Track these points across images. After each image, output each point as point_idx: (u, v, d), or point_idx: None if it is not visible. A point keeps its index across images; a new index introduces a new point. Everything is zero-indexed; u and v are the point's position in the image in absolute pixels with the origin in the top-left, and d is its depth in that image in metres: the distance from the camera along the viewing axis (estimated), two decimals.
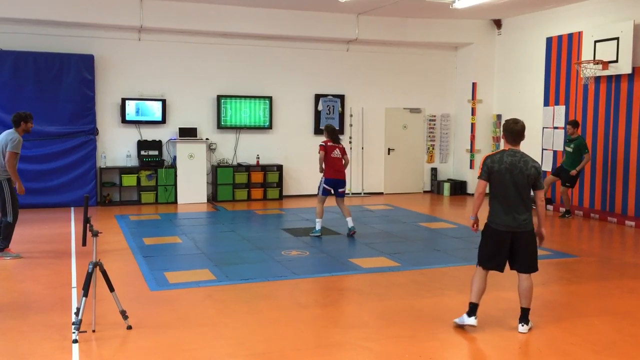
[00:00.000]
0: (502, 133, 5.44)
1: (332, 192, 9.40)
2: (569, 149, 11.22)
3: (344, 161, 9.42)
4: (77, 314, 4.98)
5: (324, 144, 9.34)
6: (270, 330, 5.33)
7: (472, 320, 5.26)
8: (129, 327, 5.19)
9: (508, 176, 5.18)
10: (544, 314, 5.93)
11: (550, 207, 11.99)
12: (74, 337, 4.90)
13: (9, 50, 11.68)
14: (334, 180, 9.33)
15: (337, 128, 13.12)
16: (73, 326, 4.96)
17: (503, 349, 4.95)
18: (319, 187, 9.45)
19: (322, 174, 9.41)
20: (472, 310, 5.29)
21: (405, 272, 7.32)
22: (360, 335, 5.19)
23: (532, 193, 5.26)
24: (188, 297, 6.23)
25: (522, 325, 5.24)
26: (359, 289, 6.61)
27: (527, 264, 5.27)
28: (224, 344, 4.98)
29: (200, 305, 5.98)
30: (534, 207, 5.26)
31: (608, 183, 11.41)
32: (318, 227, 9.34)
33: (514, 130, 5.32)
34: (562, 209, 11.54)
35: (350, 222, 9.43)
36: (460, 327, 5.29)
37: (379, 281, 6.91)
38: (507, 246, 5.22)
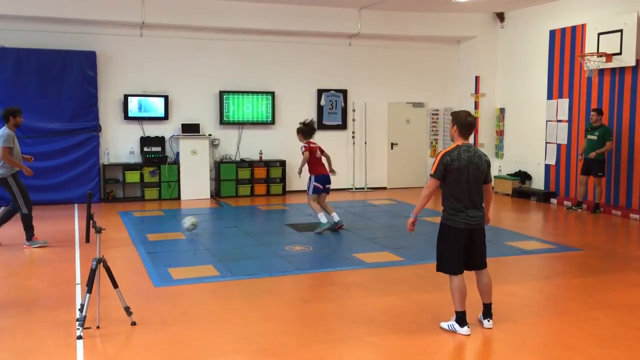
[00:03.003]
0: (453, 126, 5.10)
1: (322, 188, 9.41)
2: (592, 137, 10.92)
3: (324, 158, 9.58)
4: (81, 310, 4.97)
5: (307, 144, 9.38)
6: (274, 325, 5.33)
7: (464, 330, 5.05)
8: (133, 323, 5.20)
9: (466, 173, 4.98)
10: (549, 307, 5.92)
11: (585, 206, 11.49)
12: (78, 333, 4.90)
13: (12, 47, 11.68)
14: (324, 176, 9.41)
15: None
16: (77, 322, 4.96)
17: (508, 343, 4.94)
18: (308, 187, 9.48)
19: (302, 174, 9.62)
20: (463, 319, 5.07)
21: (409, 266, 7.31)
22: (365, 330, 5.18)
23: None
24: (192, 293, 6.23)
25: (488, 321, 5.17)
26: (363, 283, 6.60)
27: (483, 260, 5.20)
28: (228, 339, 4.98)
29: (204, 301, 5.98)
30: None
31: (612, 176, 11.36)
32: (324, 219, 9.25)
33: (468, 123, 5.05)
34: (575, 204, 11.44)
35: (336, 216, 9.45)
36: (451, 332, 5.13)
37: (383, 276, 6.91)
38: (466, 244, 5.09)
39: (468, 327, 5.07)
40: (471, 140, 15.34)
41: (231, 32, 13.18)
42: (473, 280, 5.29)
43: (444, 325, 5.18)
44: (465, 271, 5.19)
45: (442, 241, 5.23)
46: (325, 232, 9.25)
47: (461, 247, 5.09)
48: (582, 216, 10.94)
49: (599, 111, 11.01)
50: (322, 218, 9.28)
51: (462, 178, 5.00)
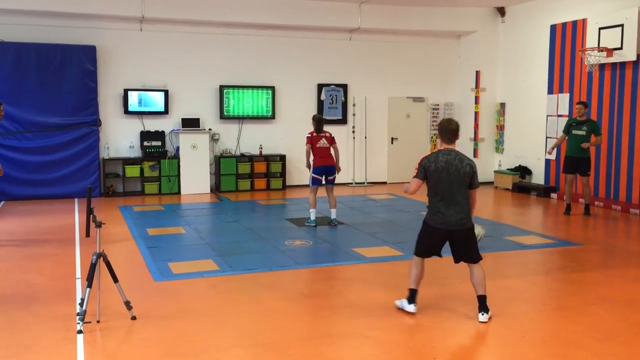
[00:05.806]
0: (437, 133, 5.48)
1: (323, 181, 9.37)
2: (579, 132, 10.17)
3: (333, 150, 9.40)
4: (81, 304, 4.98)
5: (310, 135, 9.34)
6: (274, 320, 5.33)
7: (411, 308, 5.36)
8: (133, 318, 5.21)
9: (444, 174, 5.20)
10: (548, 302, 5.93)
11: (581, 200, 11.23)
12: (78, 327, 4.91)
13: (11, 41, 11.66)
14: (322, 167, 9.28)
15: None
16: (77, 317, 4.97)
17: (507, 338, 4.94)
18: (310, 178, 9.49)
19: (308, 168, 9.50)
20: (412, 296, 5.39)
21: (409, 261, 7.27)
22: (365, 324, 5.19)
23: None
24: (192, 288, 6.24)
25: (482, 314, 5.21)
26: (363, 278, 6.61)
27: (472, 257, 5.33)
28: (228, 334, 4.99)
29: (204, 296, 5.99)
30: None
31: (612, 171, 11.36)
32: (312, 217, 9.41)
33: (449, 130, 5.32)
34: (565, 210, 10.89)
35: (334, 213, 9.49)
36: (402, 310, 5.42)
37: (383, 270, 6.91)
38: (442, 241, 5.34)
39: (415, 305, 5.36)
40: (471, 134, 15.38)
41: (231, 27, 13.16)
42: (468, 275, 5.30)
43: (397, 302, 5.50)
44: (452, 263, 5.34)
45: (421, 230, 5.49)
46: (320, 226, 9.38)
47: (431, 242, 5.38)
48: (581, 211, 10.93)
49: (585, 104, 10.30)
50: (312, 215, 9.39)
51: (439, 179, 5.24)
